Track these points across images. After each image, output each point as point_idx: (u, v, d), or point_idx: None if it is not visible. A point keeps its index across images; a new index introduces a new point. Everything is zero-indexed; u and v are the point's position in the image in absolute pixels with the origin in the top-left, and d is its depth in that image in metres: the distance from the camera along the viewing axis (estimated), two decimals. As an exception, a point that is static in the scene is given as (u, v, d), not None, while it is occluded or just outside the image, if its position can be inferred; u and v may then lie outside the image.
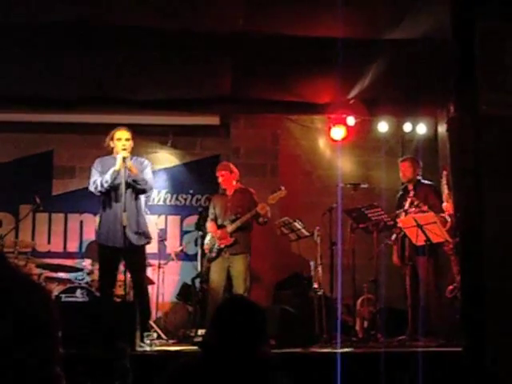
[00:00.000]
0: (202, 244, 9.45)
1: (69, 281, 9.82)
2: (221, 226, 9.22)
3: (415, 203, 8.66)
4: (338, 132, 10.80)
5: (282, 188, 9.11)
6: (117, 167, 7.89)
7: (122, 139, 8.02)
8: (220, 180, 9.39)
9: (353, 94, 10.15)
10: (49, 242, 11.22)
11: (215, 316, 3.16)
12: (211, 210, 9.46)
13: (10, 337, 1.10)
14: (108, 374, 4.31)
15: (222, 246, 9.10)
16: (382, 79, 9.35)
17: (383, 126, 10.92)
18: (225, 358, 3.01)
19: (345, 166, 10.91)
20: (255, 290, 9.43)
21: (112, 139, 8.09)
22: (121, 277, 8.44)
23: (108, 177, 7.94)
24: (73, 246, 11.25)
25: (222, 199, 9.41)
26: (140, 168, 8.14)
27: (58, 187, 11.35)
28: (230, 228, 9.11)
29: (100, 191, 8.04)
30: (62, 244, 11.28)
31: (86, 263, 9.99)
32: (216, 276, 9.12)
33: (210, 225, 9.33)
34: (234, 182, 9.35)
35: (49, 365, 1.16)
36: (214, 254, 9.14)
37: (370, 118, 10.91)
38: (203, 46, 8.69)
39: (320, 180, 11.18)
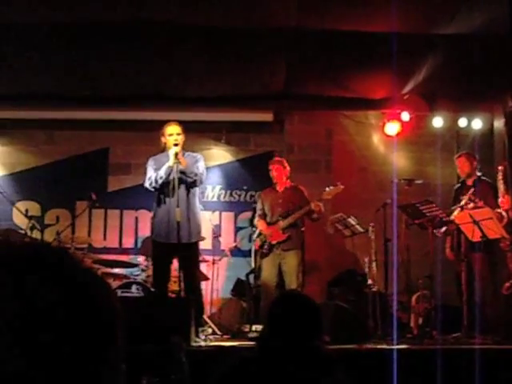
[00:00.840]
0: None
1: (124, 276, 9.92)
2: (271, 223, 9.22)
3: (473, 199, 8.57)
4: (393, 127, 10.72)
5: (339, 184, 9.08)
6: (170, 163, 7.94)
7: (173, 134, 8.08)
8: (273, 173, 9.37)
9: (407, 89, 10.07)
10: (105, 238, 11.35)
11: (270, 311, 3.17)
12: (259, 206, 9.46)
13: (93, 334, 1.11)
14: (164, 368, 4.35)
15: (274, 242, 9.10)
16: (437, 74, 9.27)
17: (438, 122, 10.80)
18: (281, 353, 3.02)
19: (399, 161, 10.81)
20: (309, 286, 9.42)
21: (164, 135, 8.16)
22: (175, 273, 8.51)
23: (162, 172, 8.00)
24: (128, 242, 11.37)
25: (271, 195, 9.39)
26: (192, 162, 8.18)
27: (114, 184, 11.48)
28: (282, 224, 9.10)
29: (154, 187, 8.11)
30: (118, 240, 11.40)
31: (141, 259, 10.10)
32: (267, 272, 9.13)
33: (259, 222, 9.33)
34: (285, 179, 9.34)
35: (121, 361, 1.17)
36: (265, 250, 9.15)
37: (424, 113, 10.81)
38: (257, 42, 8.71)
39: (374, 176, 11.10)
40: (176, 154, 7.92)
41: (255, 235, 9.40)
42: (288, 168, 9.38)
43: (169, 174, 7.97)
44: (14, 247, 1.14)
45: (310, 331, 3.10)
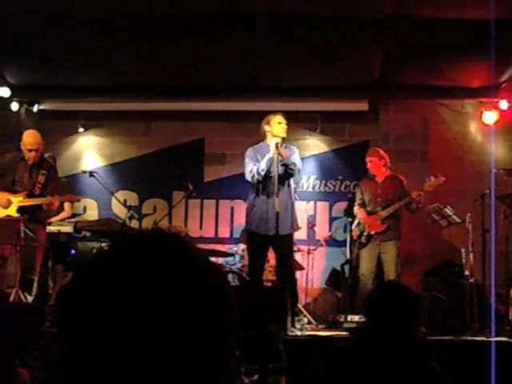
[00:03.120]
0: (351, 230, 9.46)
1: (220, 265, 10.04)
2: (371, 212, 9.17)
3: None
4: (491, 116, 10.53)
5: (440, 175, 8.98)
6: (271, 154, 7.97)
7: (282, 122, 8.14)
8: (368, 166, 9.32)
9: (505, 77, 9.88)
10: (201, 228, 11.50)
11: (370, 301, 3.18)
12: (359, 196, 9.42)
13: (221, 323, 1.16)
14: (262, 357, 4.39)
15: (373, 232, 9.06)
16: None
17: (538, 109, 10.56)
18: (381, 343, 3.02)
19: (497, 150, 10.60)
20: (405, 277, 9.35)
21: (268, 123, 8.19)
22: (272, 262, 8.57)
23: (264, 165, 8.03)
24: (224, 232, 11.49)
25: (371, 185, 9.34)
26: (288, 154, 8.21)
27: (210, 174, 11.60)
28: (382, 214, 9.05)
29: (257, 179, 8.14)
30: (214, 229, 11.54)
31: (239, 249, 10.20)
32: (366, 262, 9.10)
33: (359, 211, 9.30)
34: (384, 169, 9.26)
35: (236, 348, 1.21)
36: (364, 240, 9.12)
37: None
38: (353, 31, 8.68)
39: (471, 165, 10.92)
40: (277, 145, 7.95)
41: (354, 224, 9.37)
42: (386, 157, 9.30)
43: (270, 166, 8.01)
44: (144, 238, 1.19)
45: (409, 322, 3.10)
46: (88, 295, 1.12)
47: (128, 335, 1.09)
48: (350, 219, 9.60)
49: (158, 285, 1.10)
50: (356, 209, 9.37)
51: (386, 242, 9.02)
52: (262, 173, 8.04)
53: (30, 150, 8.47)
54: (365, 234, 9.10)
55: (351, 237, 9.46)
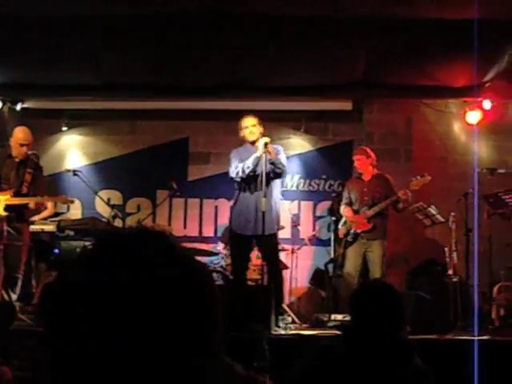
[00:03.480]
0: (335, 229, 9.48)
1: (205, 264, 10.02)
2: (357, 211, 9.19)
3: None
4: (474, 116, 10.57)
5: (426, 174, 9.00)
6: (259, 153, 7.97)
7: (248, 126, 8.17)
8: (356, 164, 9.35)
9: (489, 76, 9.92)
10: (185, 227, 11.49)
11: (355, 300, 3.18)
12: (346, 195, 9.43)
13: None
14: (246, 356, 4.40)
15: (359, 230, 9.07)
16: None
17: (521, 109, 10.62)
18: (366, 342, 3.03)
19: (481, 150, 10.66)
20: (389, 276, 9.37)
21: (241, 129, 8.24)
22: (257, 261, 8.57)
23: (250, 163, 8.04)
24: (208, 231, 11.48)
25: (358, 184, 9.35)
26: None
27: (194, 173, 11.59)
28: (368, 213, 9.07)
29: (241, 177, 8.14)
30: (198, 229, 11.53)
31: (221, 247, 10.19)
32: (352, 261, 9.11)
33: (345, 210, 9.30)
34: (371, 168, 9.29)
35: (221, 348, 1.21)
36: (350, 239, 9.13)
37: (506, 101, 10.63)
38: (337, 31, 8.69)
39: (455, 165, 10.97)
40: (266, 144, 7.95)
41: (340, 223, 9.38)
42: (373, 155, 9.31)
43: (256, 165, 8.02)
44: (129, 234, 1.18)
45: (393, 321, 3.11)
46: (72, 293, 1.12)
47: (111, 333, 1.08)
48: (333, 218, 9.62)
49: (143, 282, 1.10)
50: (342, 208, 9.37)
51: (371, 240, 9.04)
52: (247, 170, 8.05)
53: (22, 145, 8.48)
54: (351, 232, 9.11)
55: (336, 235, 9.48)
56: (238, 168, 8.14)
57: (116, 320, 1.08)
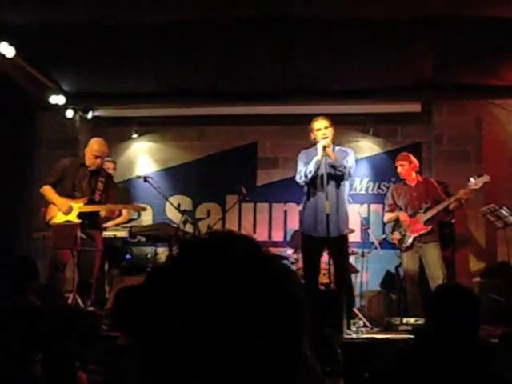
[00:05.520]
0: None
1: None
2: (410, 216, 9.12)
3: None
4: (546, 115, 10.40)
5: (485, 174, 8.88)
6: (318, 157, 7.95)
7: (320, 128, 8.11)
8: (399, 170, 9.29)
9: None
10: (254, 232, 11.51)
11: (435, 304, 3.16)
12: (390, 201, 9.38)
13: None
14: (319, 360, 4.40)
15: (416, 234, 9.00)
16: None
17: None
18: (446, 346, 3.01)
19: (553, 150, 10.47)
20: (459, 279, 9.28)
21: (312, 130, 8.21)
22: (324, 265, 8.56)
23: (311, 167, 8.03)
24: (277, 235, 11.51)
25: (405, 189, 9.30)
26: (342, 155, 8.18)
27: (263, 178, 11.64)
28: (424, 216, 8.99)
29: (304, 181, 8.15)
30: (267, 233, 11.56)
31: (290, 252, 10.20)
32: (411, 265, 9.05)
33: (400, 214, 9.22)
34: (414, 174, 9.23)
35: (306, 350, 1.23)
36: (408, 243, 9.06)
37: None
38: (404, 32, 8.63)
39: (527, 166, 10.79)
40: (324, 148, 7.94)
41: (389, 229, 9.34)
42: (415, 162, 9.27)
43: (318, 168, 8.00)
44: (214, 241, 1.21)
45: (472, 324, 3.08)
46: (163, 298, 1.14)
47: (205, 337, 1.10)
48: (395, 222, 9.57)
49: (233, 286, 1.12)
50: (389, 215, 9.33)
51: (427, 244, 8.96)
52: (309, 175, 8.03)
53: (97, 157, 8.62)
54: (407, 236, 9.04)
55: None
56: (301, 173, 8.15)
57: (211, 322, 1.10)
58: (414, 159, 9.30)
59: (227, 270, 1.13)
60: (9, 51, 8.78)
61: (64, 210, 8.44)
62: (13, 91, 10.03)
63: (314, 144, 8.25)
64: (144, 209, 9.70)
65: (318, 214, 8.03)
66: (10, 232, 10.73)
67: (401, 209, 9.25)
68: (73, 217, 8.45)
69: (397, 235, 9.20)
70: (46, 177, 8.85)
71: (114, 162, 10.15)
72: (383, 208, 11.27)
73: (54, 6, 7.97)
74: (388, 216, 9.40)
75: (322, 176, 7.93)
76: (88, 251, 8.44)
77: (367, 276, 10.42)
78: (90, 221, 8.49)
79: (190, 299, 1.11)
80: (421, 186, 9.20)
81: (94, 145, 8.71)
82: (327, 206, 7.80)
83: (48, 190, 8.59)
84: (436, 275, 8.78)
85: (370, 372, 3.14)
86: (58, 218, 8.47)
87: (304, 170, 8.11)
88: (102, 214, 8.66)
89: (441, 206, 8.94)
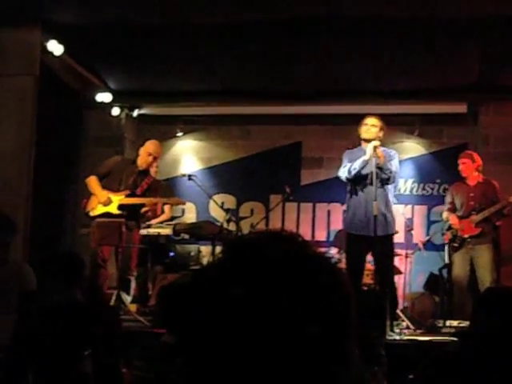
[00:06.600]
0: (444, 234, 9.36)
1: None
2: (463, 217, 9.04)
3: None
4: None
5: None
6: (367, 156, 7.90)
7: (368, 124, 8.07)
8: (461, 167, 9.19)
9: None
10: (297, 231, 11.47)
11: (483, 306, 3.14)
12: (449, 200, 9.32)
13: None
14: (365, 361, 4.40)
15: (467, 235, 8.93)
16: None
17: None
18: (490, 348, 2.98)
19: None
20: (505, 281, 9.17)
21: (360, 125, 8.15)
22: (369, 266, 8.52)
23: (357, 164, 7.96)
24: (321, 235, 11.50)
25: (463, 188, 9.21)
26: (387, 158, 8.13)
27: (307, 177, 11.64)
28: (475, 218, 8.91)
29: (347, 177, 8.07)
30: (311, 233, 11.55)
31: (334, 251, 10.18)
32: (459, 267, 8.98)
33: (450, 216, 9.17)
34: (476, 173, 9.12)
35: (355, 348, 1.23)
36: (456, 244, 9.00)
37: None
38: (450, 32, 8.56)
39: None
40: (375, 148, 7.88)
41: (445, 228, 9.27)
42: (478, 161, 9.16)
43: (363, 167, 7.95)
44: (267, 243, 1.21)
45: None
46: (208, 296, 1.15)
47: (249, 338, 1.11)
48: (448, 223, 9.49)
49: (282, 284, 1.12)
50: (446, 214, 9.26)
51: (479, 245, 8.88)
52: (353, 172, 7.97)
53: (150, 155, 8.74)
54: (458, 237, 8.97)
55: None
56: (345, 168, 8.09)
57: (258, 323, 1.11)
58: (477, 158, 9.21)
59: (271, 270, 1.14)
60: (57, 49, 8.88)
61: (102, 201, 8.52)
62: (61, 89, 10.14)
63: (358, 145, 8.23)
64: (183, 203, 9.76)
65: (366, 214, 7.99)
66: (57, 228, 10.85)
67: (456, 208, 9.18)
68: (113, 208, 8.53)
69: (448, 235, 9.15)
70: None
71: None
72: (428, 209, 11.25)
73: (103, 5, 8.04)
74: (444, 215, 9.36)
75: (369, 176, 7.89)
76: (125, 247, 8.50)
77: (410, 277, 10.36)
78: (130, 214, 8.55)
79: (234, 298, 1.12)
80: (479, 186, 9.11)
81: (151, 145, 8.91)
82: (375, 206, 7.76)
83: (92, 180, 8.70)
84: (485, 278, 8.70)
85: (417, 373, 3.13)
86: (99, 209, 8.56)
87: (349, 165, 8.05)
88: (144, 209, 8.75)
89: (492, 209, 8.86)
